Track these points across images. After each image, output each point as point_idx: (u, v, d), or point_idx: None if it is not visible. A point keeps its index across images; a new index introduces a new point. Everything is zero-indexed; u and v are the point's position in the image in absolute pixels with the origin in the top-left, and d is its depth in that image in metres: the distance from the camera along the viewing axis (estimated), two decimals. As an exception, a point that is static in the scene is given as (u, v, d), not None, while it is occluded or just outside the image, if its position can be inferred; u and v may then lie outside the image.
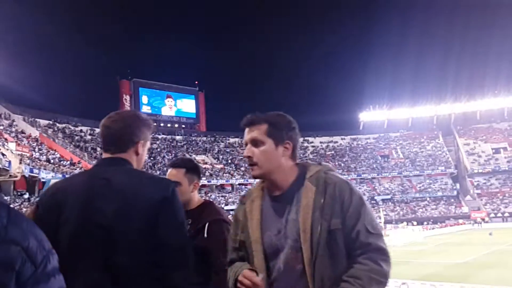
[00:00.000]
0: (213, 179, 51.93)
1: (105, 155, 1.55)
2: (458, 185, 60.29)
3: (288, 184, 1.45)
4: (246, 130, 1.50)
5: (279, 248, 1.39)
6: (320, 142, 68.37)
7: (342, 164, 61.69)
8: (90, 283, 1.34)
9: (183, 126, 68.98)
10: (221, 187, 54.00)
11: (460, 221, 49.49)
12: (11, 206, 0.82)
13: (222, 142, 65.21)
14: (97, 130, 57.98)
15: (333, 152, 66.60)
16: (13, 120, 38.64)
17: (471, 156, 62.62)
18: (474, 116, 66.52)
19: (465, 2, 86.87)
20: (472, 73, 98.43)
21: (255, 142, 1.46)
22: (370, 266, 1.28)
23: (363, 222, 1.33)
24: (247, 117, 1.51)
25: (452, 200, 57.52)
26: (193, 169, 2.21)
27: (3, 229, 0.83)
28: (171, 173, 2.17)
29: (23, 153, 30.06)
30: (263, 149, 1.44)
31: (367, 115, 72.05)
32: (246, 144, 1.50)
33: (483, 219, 49.58)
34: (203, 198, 2.40)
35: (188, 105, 71.34)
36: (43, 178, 29.43)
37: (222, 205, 44.92)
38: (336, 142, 69.78)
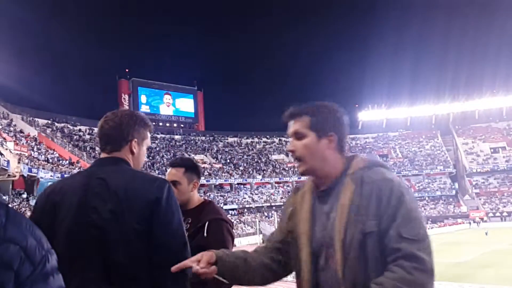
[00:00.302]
0: (211, 179, 51.89)
1: (102, 155, 1.56)
2: (456, 185, 60.38)
3: (333, 179, 1.39)
4: (290, 123, 1.43)
5: (323, 245, 1.35)
6: (319, 142, 68.34)
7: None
8: (87, 282, 1.35)
9: (182, 125, 68.93)
10: (220, 186, 53.96)
11: (459, 220, 49.57)
12: (10, 205, 0.89)
13: (221, 141, 65.18)
14: (96, 129, 58.86)
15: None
16: (12, 120, 38.54)
17: (469, 155, 62.69)
18: (472, 115, 66.61)
19: (464, 2, 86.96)
20: (470, 72, 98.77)
21: (298, 135, 1.40)
22: (399, 274, 1.16)
23: (397, 225, 1.22)
24: (289, 109, 1.45)
25: (451, 199, 57.61)
26: (192, 168, 2.20)
27: (2, 229, 0.83)
28: (171, 173, 2.17)
29: (22, 153, 29.98)
30: (305, 142, 1.39)
31: (366, 115, 72.09)
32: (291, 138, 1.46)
33: (481, 219, 49.67)
34: (203, 197, 2.40)
35: (186, 105, 71.28)
36: (41, 177, 29.35)
37: (221, 205, 44.91)
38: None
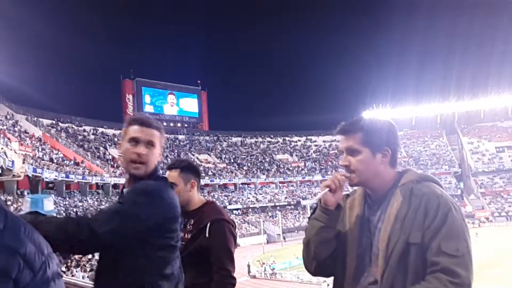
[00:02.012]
0: (215, 179, 51.92)
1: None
2: (462, 184, 60.08)
3: (385, 190, 1.43)
4: (341, 137, 1.47)
5: (367, 251, 1.41)
6: (323, 141, 68.28)
7: (345, 163, 61.70)
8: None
9: (186, 125, 69.05)
10: (224, 186, 53.99)
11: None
12: (12, 207, 0.86)
13: (225, 141, 65.21)
14: (100, 129, 57.77)
15: (336, 151, 66.50)
16: (16, 120, 38.74)
17: (475, 155, 62.37)
18: (478, 114, 66.24)
19: (469, 1, 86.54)
20: (475, 71, 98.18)
21: (351, 151, 1.43)
22: (434, 285, 1.21)
23: (439, 240, 1.25)
24: (341, 124, 1.47)
25: (456, 199, 57.32)
26: (187, 169, 2.18)
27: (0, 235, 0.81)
28: (168, 175, 2.15)
29: (26, 153, 30.11)
30: (360, 158, 1.41)
31: (371, 114, 71.81)
32: (343, 152, 1.47)
33: (487, 218, 49.38)
34: (206, 198, 2.37)
35: (190, 104, 71.38)
36: (46, 177, 29.49)
37: (225, 205, 44.94)
38: (339, 141, 69.55)
